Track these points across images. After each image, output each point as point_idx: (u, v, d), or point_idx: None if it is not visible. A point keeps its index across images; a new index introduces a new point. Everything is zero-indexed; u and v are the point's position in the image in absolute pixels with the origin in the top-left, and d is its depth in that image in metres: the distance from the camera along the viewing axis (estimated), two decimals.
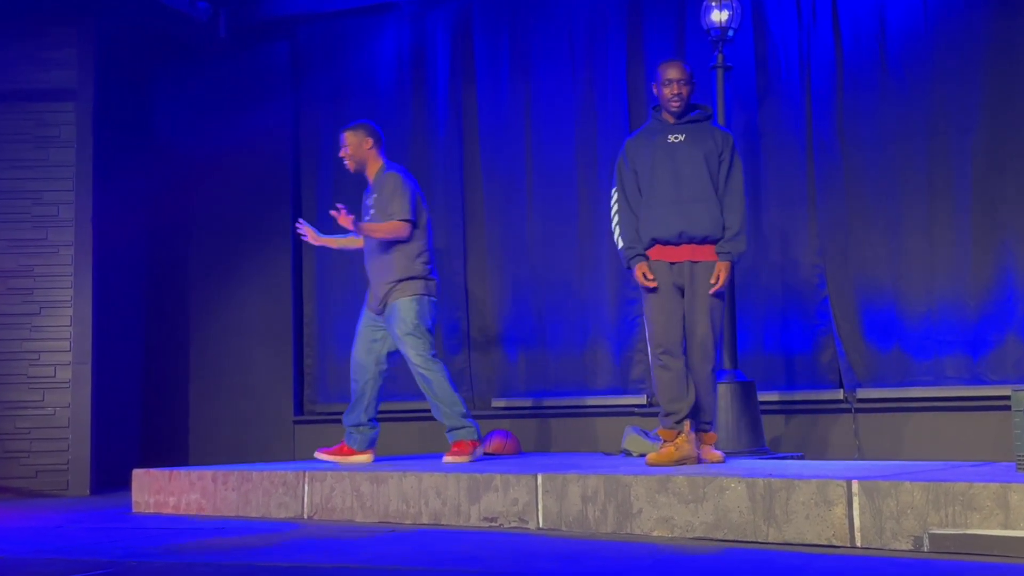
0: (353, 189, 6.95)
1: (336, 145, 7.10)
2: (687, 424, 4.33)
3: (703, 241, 4.36)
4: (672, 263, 4.38)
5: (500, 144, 6.53)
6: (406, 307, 4.90)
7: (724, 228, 4.37)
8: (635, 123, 6.16)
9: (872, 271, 5.55)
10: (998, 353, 5.23)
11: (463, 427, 4.92)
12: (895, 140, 5.52)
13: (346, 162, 5.16)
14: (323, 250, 7.01)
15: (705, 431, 4.42)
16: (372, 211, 5.07)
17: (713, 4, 5.34)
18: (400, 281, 4.93)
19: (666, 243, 4.39)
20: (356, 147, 5.12)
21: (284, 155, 7.16)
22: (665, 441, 4.36)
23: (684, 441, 4.30)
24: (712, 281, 4.34)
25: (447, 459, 4.82)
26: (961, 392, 5.25)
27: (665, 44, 6.04)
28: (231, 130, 7.28)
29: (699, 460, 4.35)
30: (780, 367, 5.65)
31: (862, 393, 5.45)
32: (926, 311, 5.39)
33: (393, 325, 4.93)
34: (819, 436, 5.55)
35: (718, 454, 4.44)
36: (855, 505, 3.37)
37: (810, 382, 5.62)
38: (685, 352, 4.37)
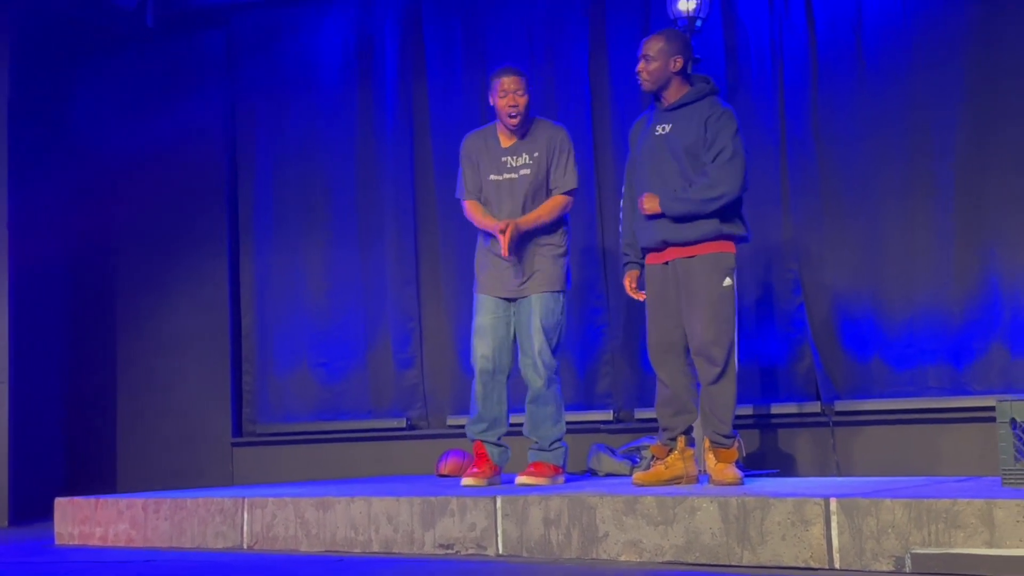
0: (296, 189, 6.97)
1: (276, 142, 7.13)
2: (681, 441, 4.30)
3: (692, 243, 4.23)
4: (665, 263, 4.32)
5: (454, 140, 6.52)
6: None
7: (710, 217, 4.18)
8: (597, 119, 6.22)
9: (850, 275, 5.63)
10: (983, 362, 5.33)
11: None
12: (873, 136, 5.61)
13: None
14: (263, 257, 7.01)
15: (721, 446, 4.21)
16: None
17: None
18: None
19: (655, 249, 4.35)
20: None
21: (218, 154, 7.13)
22: (657, 458, 4.36)
23: (676, 459, 4.27)
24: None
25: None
26: (944, 403, 5.34)
27: (630, 34, 6.09)
28: (160, 127, 7.24)
29: (700, 479, 4.31)
30: (754, 378, 5.72)
31: (840, 405, 5.53)
32: (907, 318, 5.49)
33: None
34: (795, 451, 5.63)
35: (732, 474, 4.13)
36: (833, 524, 3.43)
37: (785, 394, 5.70)
38: (690, 360, 4.27)
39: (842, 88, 5.69)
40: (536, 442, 4.72)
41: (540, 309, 4.67)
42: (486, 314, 4.74)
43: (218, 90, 7.16)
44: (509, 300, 4.74)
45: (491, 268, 4.75)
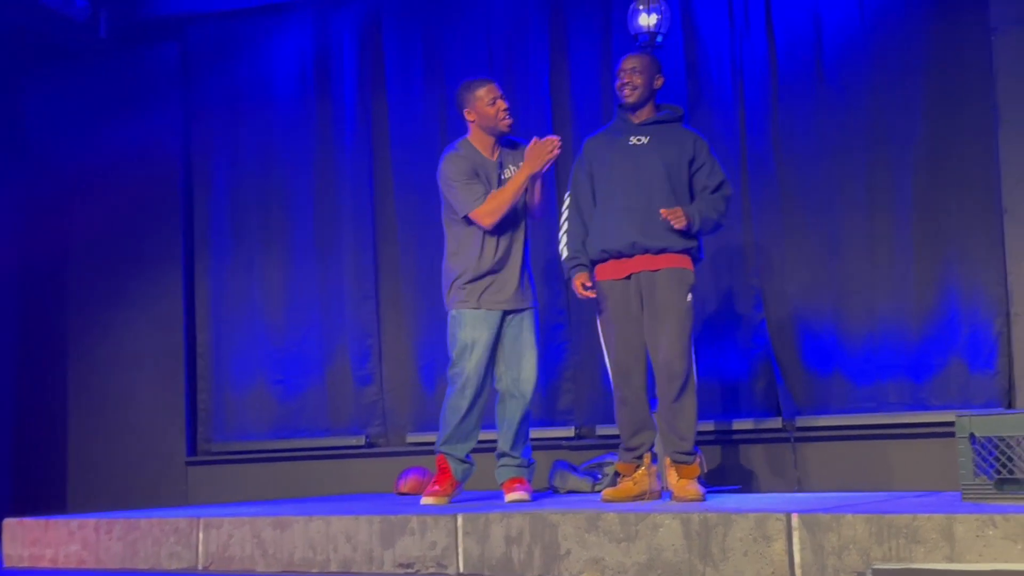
0: (253, 204, 6.94)
1: (232, 156, 7.09)
2: (647, 457, 4.36)
3: (660, 252, 4.31)
4: (627, 277, 4.35)
5: (414, 154, 6.57)
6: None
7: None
8: (558, 133, 6.23)
9: (810, 291, 5.71)
10: (942, 377, 5.42)
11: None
12: (833, 153, 5.70)
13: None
14: (218, 273, 6.97)
15: (683, 463, 4.27)
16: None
17: (641, 8, 5.47)
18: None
19: (618, 256, 4.36)
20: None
21: (173, 167, 7.09)
22: (623, 475, 4.39)
23: (643, 475, 4.33)
24: (664, 214, 4.22)
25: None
26: (904, 419, 5.42)
27: (590, 49, 6.15)
28: (113, 140, 7.20)
29: (663, 495, 4.37)
30: (715, 395, 5.77)
31: (801, 421, 5.59)
32: (867, 333, 5.56)
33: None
34: (757, 467, 5.68)
35: (694, 490, 4.20)
36: (795, 540, 3.47)
37: (747, 410, 5.75)
38: (651, 376, 4.35)
39: (802, 104, 5.77)
40: (515, 458, 4.74)
41: (532, 324, 4.74)
42: (486, 329, 4.67)
43: (173, 102, 7.12)
44: (506, 314, 4.70)
45: (490, 282, 4.69)
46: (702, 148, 4.43)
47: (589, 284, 4.47)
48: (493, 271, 4.68)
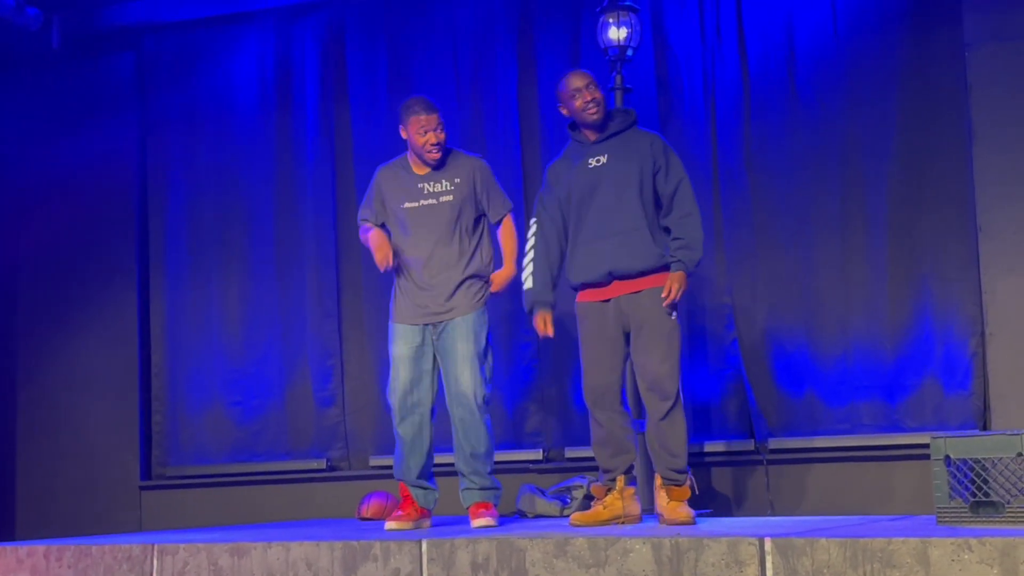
0: (211, 219, 6.91)
1: (190, 170, 7.07)
2: (620, 480, 4.36)
3: (639, 275, 4.32)
4: (605, 300, 4.37)
5: (378, 167, 6.56)
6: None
7: (671, 243, 4.32)
8: (526, 148, 6.28)
9: (783, 309, 5.74)
10: (916, 398, 5.46)
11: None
12: (806, 168, 5.74)
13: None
14: (175, 290, 6.93)
15: (674, 483, 4.28)
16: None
17: (611, 21, 5.50)
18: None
19: (596, 285, 4.38)
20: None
21: (128, 181, 7.06)
22: (596, 499, 4.40)
23: (615, 500, 4.33)
24: (663, 295, 4.24)
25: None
26: (878, 440, 5.46)
27: (559, 63, 6.17)
28: (66, 153, 7.15)
29: (642, 519, 4.38)
30: (687, 415, 5.75)
31: (774, 443, 5.62)
32: (840, 353, 5.60)
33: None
34: (729, 490, 5.70)
35: (683, 512, 4.20)
36: (768, 565, 3.48)
37: (719, 432, 5.77)
38: (626, 399, 4.37)
39: (775, 120, 5.82)
40: (477, 480, 4.70)
41: (467, 330, 4.62)
42: (402, 344, 4.68)
43: (128, 115, 7.09)
44: (428, 327, 4.67)
45: (408, 294, 4.71)
46: (658, 149, 4.40)
47: (549, 326, 4.47)
48: (419, 283, 4.67)
